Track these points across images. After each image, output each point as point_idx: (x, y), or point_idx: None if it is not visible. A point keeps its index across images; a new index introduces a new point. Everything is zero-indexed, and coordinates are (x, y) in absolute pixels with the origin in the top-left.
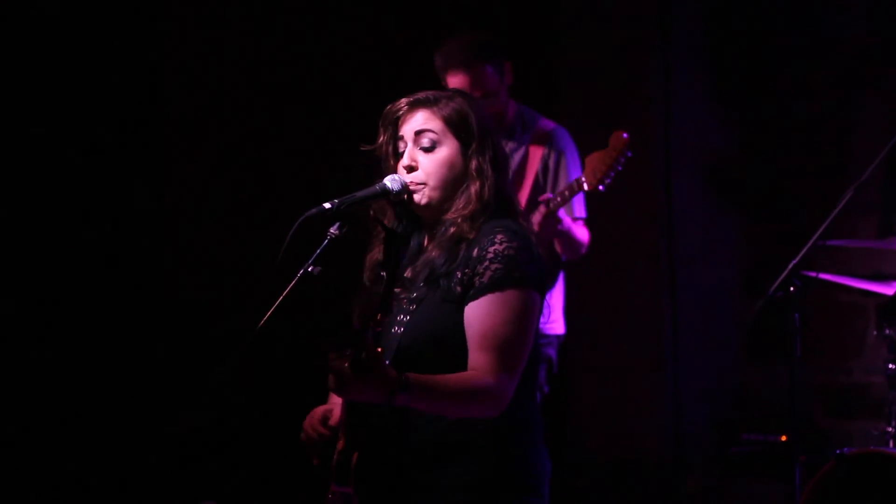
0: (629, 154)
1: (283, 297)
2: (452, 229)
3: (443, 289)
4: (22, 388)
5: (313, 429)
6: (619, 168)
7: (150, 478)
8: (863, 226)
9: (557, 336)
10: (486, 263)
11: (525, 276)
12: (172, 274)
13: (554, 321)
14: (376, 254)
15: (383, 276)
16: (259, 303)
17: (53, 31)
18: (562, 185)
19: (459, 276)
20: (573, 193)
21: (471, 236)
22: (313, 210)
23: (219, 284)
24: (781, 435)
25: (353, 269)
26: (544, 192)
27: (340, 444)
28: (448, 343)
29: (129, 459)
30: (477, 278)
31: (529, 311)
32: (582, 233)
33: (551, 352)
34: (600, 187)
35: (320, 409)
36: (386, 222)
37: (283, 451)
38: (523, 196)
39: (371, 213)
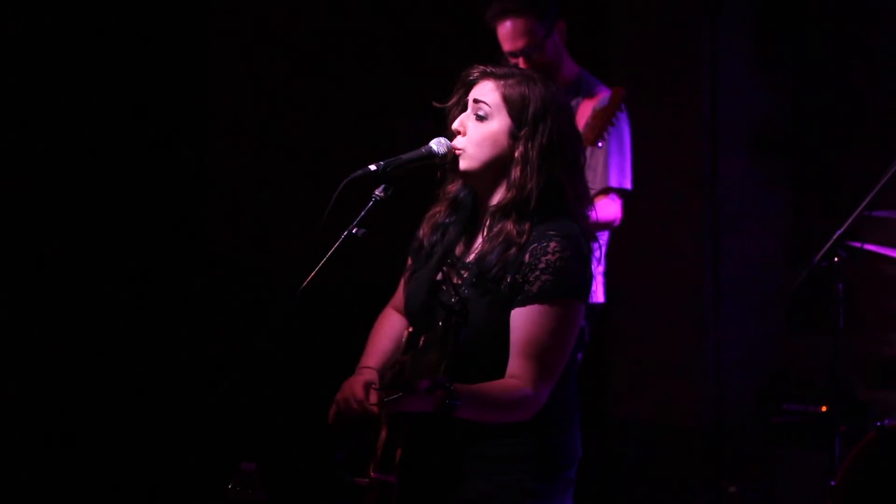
0: (623, 110)
1: (327, 259)
2: (498, 227)
3: (489, 290)
4: (78, 333)
5: (358, 402)
6: (614, 122)
7: (190, 441)
8: None
9: (596, 305)
10: (538, 273)
11: (573, 289)
12: (216, 234)
13: (594, 290)
14: (437, 215)
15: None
16: (304, 264)
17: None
18: (600, 159)
19: (509, 280)
20: None
21: (521, 241)
22: (359, 172)
23: (263, 245)
24: (822, 405)
25: (397, 232)
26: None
27: (383, 436)
28: (494, 346)
29: (169, 422)
30: (527, 285)
31: (573, 323)
32: (605, 211)
33: (582, 321)
34: (599, 143)
35: (360, 379)
36: (451, 187)
37: (323, 415)
38: None
39: (438, 173)
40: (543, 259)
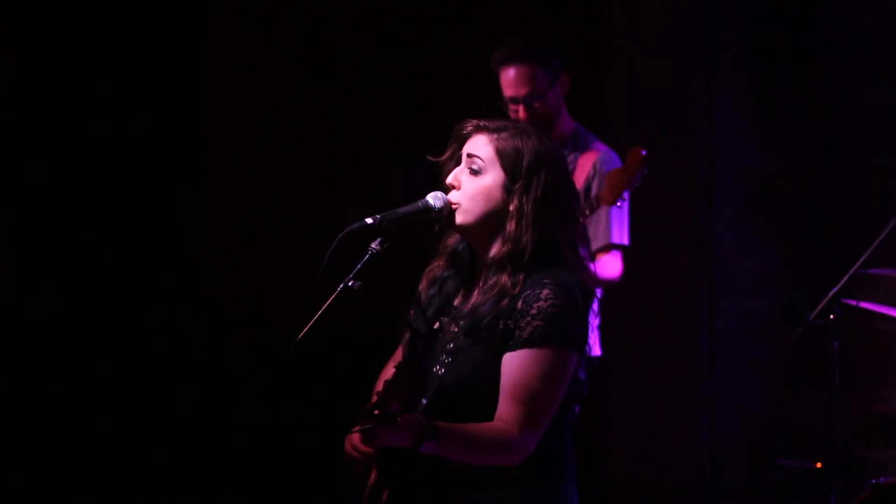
0: (645, 171)
1: (323, 312)
2: (493, 279)
3: (483, 339)
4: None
5: (354, 448)
6: (636, 184)
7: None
8: None
9: (593, 358)
10: (529, 319)
11: (565, 336)
12: (211, 284)
13: (590, 344)
14: (436, 269)
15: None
16: (299, 316)
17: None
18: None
19: (501, 326)
20: (592, 211)
21: (514, 292)
22: (355, 225)
23: (259, 297)
24: (817, 462)
25: (392, 284)
26: (584, 214)
27: (373, 478)
28: (484, 391)
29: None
30: (518, 331)
31: (564, 370)
32: (608, 268)
33: (581, 374)
34: (618, 203)
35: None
36: (450, 241)
37: (319, 464)
38: None
39: (436, 227)
40: (535, 305)
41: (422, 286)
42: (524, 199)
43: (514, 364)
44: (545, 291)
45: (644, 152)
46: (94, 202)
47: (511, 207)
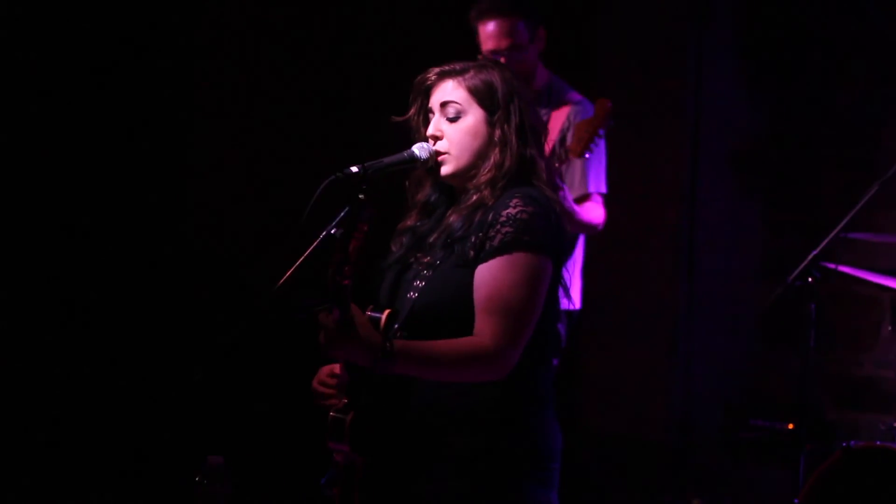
0: (611, 122)
1: (304, 259)
2: (475, 196)
3: (457, 253)
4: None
5: (320, 384)
6: (601, 134)
7: (160, 431)
8: (885, 220)
9: (573, 311)
10: (498, 227)
11: (537, 242)
12: (194, 231)
13: (571, 297)
14: (407, 221)
15: (338, 232)
16: (282, 263)
17: None
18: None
19: (473, 239)
20: (561, 162)
21: (490, 202)
22: (340, 173)
23: (242, 244)
24: (789, 423)
25: (376, 234)
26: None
27: (341, 403)
28: (460, 308)
29: (139, 413)
30: (488, 241)
31: (539, 277)
32: (592, 213)
33: (560, 327)
34: (586, 154)
35: (326, 367)
36: (420, 196)
37: (294, 411)
38: None
39: (406, 183)
40: (504, 213)
41: (394, 244)
42: (506, 128)
43: (486, 274)
44: (514, 200)
45: (609, 104)
46: (72, 141)
47: (496, 137)
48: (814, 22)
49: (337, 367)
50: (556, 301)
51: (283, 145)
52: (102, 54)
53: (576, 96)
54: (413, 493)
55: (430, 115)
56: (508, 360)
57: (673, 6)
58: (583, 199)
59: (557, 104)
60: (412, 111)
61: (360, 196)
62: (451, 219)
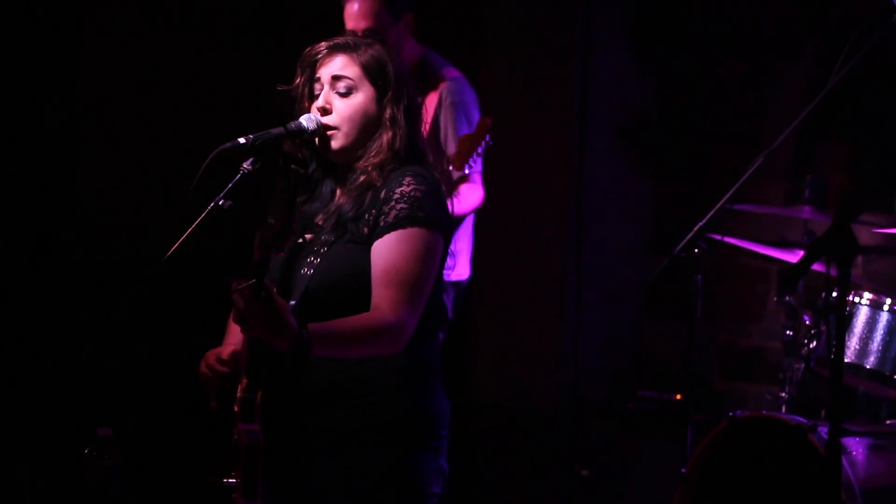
0: (488, 139)
1: (192, 230)
2: (363, 178)
3: (351, 232)
4: None
5: (209, 368)
6: (480, 151)
7: (51, 405)
8: (771, 192)
9: (458, 282)
10: (392, 203)
11: (430, 218)
12: (83, 203)
13: (458, 267)
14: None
15: (282, 204)
16: (169, 234)
17: None
18: (450, 140)
19: (367, 217)
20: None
21: (378, 183)
22: (227, 144)
23: (130, 214)
24: (677, 394)
25: (262, 205)
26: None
27: (244, 383)
28: (355, 284)
29: (28, 387)
30: (383, 217)
31: (432, 251)
32: (469, 197)
33: (447, 299)
34: (466, 169)
35: (213, 351)
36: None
37: (184, 385)
38: None
39: (283, 151)
40: (398, 191)
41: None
42: (395, 109)
43: (382, 249)
44: (407, 178)
45: (489, 121)
46: None
47: (385, 117)
48: None
49: (226, 349)
50: (441, 275)
51: (171, 116)
52: None
53: (451, 72)
54: (307, 466)
55: (317, 86)
56: (407, 331)
57: None
58: (459, 181)
59: (432, 80)
60: (300, 80)
61: (248, 167)
62: (343, 200)
